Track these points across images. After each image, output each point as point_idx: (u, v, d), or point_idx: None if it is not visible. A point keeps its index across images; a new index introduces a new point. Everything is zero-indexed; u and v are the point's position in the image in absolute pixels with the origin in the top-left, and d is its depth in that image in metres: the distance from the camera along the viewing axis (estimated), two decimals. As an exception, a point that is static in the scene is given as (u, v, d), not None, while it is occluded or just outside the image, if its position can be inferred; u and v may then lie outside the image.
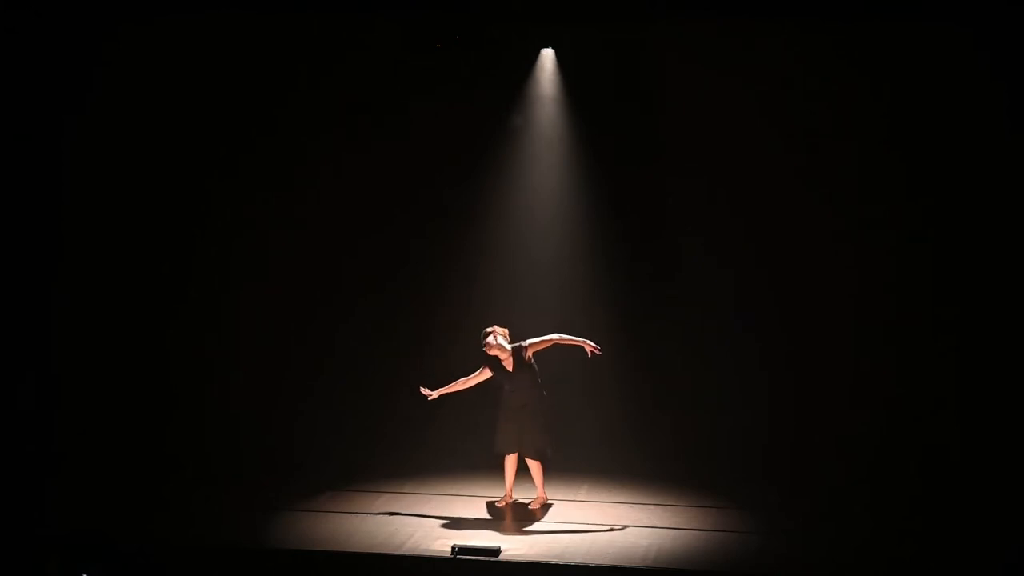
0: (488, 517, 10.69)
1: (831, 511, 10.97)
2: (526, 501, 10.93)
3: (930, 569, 9.61)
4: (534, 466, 10.75)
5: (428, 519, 10.57)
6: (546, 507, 10.85)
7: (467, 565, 9.40)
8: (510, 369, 10.59)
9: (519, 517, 10.65)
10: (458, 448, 12.17)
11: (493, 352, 10.55)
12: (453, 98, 12.74)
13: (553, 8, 11.98)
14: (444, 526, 10.35)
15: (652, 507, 11.06)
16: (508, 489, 10.83)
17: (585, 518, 10.68)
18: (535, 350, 10.65)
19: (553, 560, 9.47)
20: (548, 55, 12.85)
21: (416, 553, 9.61)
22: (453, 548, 9.54)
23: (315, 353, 13.02)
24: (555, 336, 10.67)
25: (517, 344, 10.63)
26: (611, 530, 10.24)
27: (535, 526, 10.43)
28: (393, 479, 11.78)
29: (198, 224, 12.96)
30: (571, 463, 11.98)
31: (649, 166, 12.74)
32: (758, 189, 12.49)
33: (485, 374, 10.66)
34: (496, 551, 9.52)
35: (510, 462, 10.77)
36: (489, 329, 10.61)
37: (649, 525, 10.49)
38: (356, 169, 12.92)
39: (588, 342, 10.63)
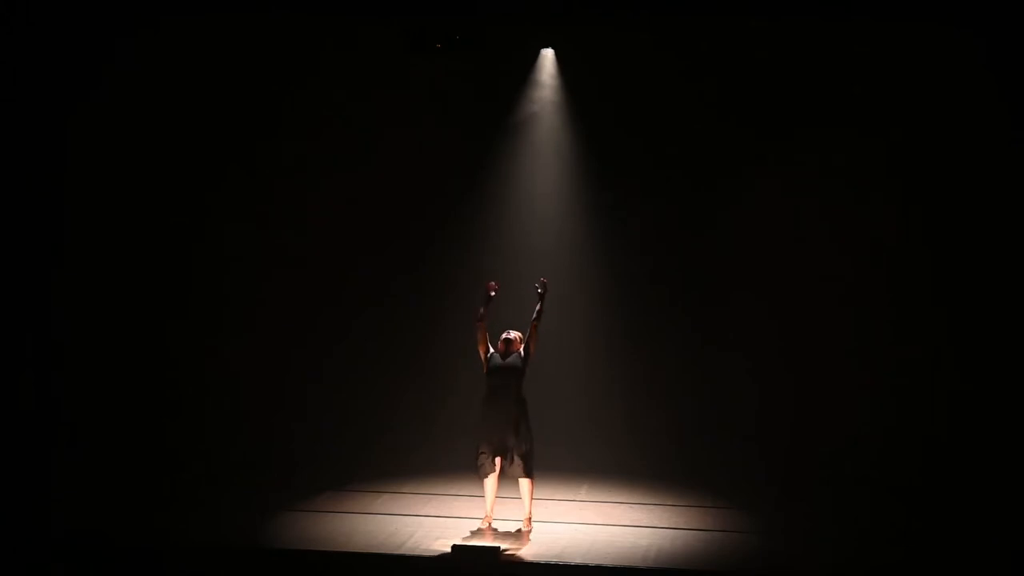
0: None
1: (831, 511, 10.97)
2: (510, 521, 10.57)
3: (929, 569, 9.61)
4: (525, 485, 10.36)
5: (428, 519, 10.57)
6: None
7: (467, 565, 9.39)
8: (501, 352, 10.28)
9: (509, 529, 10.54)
10: (458, 448, 12.15)
11: (508, 337, 10.28)
12: (453, 98, 12.75)
13: (553, 8, 11.98)
14: (444, 526, 10.34)
15: (652, 507, 11.06)
16: (489, 509, 10.44)
17: (585, 518, 10.68)
18: (532, 340, 10.33)
19: (553, 560, 9.47)
20: (548, 55, 12.86)
21: (416, 553, 9.61)
22: (453, 548, 9.54)
23: (316, 353, 13.02)
24: (532, 323, 10.35)
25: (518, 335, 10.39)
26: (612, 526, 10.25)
27: (535, 526, 10.39)
28: (393, 479, 11.79)
29: (200, 225, 12.96)
30: (571, 463, 12.00)
31: (648, 166, 12.75)
32: (757, 188, 12.51)
33: (483, 337, 10.33)
34: (496, 551, 9.52)
35: (490, 481, 10.33)
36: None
37: (649, 525, 10.49)
38: (356, 171, 12.92)
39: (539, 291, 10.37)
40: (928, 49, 11.85)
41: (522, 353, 10.36)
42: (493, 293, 10.36)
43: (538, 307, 10.35)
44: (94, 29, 12.24)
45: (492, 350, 10.37)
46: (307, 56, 12.70)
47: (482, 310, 10.34)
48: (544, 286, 10.39)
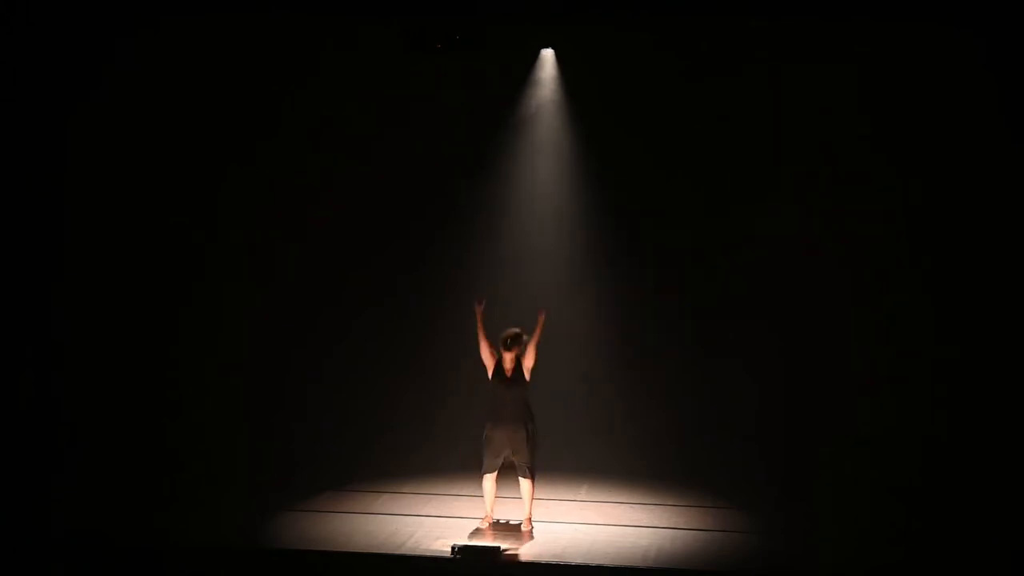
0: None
1: (831, 511, 10.97)
2: (511, 521, 10.53)
3: (929, 569, 9.61)
4: (526, 485, 10.31)
5: (428, 519, 10.57)
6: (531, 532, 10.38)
7: (467, 565, 9.39)
8: (508, 374, 10.26)
9: (510, 528, 10.49)
10: (458, 448, 12.15)
11: (508, 346, 10.14)
12: (453, 98, 12.75)
13: (553, 8, 11.98)
14: (444, 526, 10.34)
15: (652, 507, 11.05)
16: (489, 509, 10.43)
17: (585, 518, 10.68)
18: (535, 343, 10.26)
19: (553, 560, 9.47)
20: (548, 55, 12.87)
21: (416, 553, 9.60)
22: (453, 548, 9.54)
23: (316, 353, 13.02)
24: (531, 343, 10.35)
25: (521, 338, 10.22)
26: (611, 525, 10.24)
27: (535, 526, 10.39)
28: (393, 479, 11.79)
29: (199, 225, 12.96)
30: (571, 463, 11.98)
31: (648, 166, 12.75)
32: (756, 187, 12.51)
33: (486, 350, 10.27)
34: (496, 551, 9.52)
35: (489, 481, 10.34)
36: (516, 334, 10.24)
37: (649, 525, 10.49)
38: (356, 173, 12.92)
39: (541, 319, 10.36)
40: (928, 49, 11.85)
41: (524, 366, 10.26)
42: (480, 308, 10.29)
43: (537, 331, 10.26)
44: (94, 29, 12.24)
45: (491, 357, 10.25)
46: (307, 56, 12.70)
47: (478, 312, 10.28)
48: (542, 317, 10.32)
